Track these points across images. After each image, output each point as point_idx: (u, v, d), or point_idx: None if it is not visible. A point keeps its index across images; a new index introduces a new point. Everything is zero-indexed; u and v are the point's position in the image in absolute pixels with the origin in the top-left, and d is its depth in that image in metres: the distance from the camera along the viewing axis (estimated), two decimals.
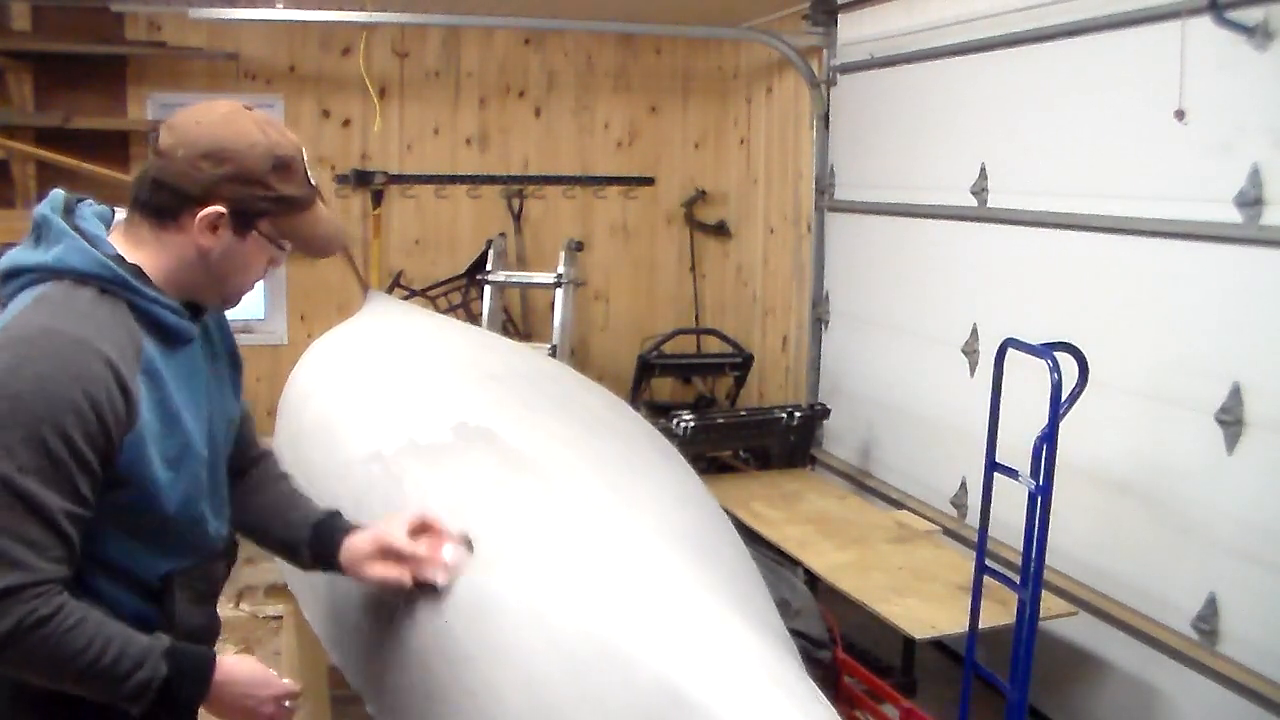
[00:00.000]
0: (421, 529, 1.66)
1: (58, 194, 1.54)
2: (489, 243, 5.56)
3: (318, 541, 1.73)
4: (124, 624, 1.43)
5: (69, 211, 1.52)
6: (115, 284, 1.46)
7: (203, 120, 1.51)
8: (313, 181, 1.58)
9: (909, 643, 3.54)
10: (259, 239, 1.54)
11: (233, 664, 1.52)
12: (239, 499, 1.77)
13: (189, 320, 1.56)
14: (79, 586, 1.43)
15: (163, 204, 1.50)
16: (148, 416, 1.45)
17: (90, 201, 1.57)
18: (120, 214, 1.59)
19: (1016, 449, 2.88)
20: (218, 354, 1.70)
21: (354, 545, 1.70)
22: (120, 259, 1.49)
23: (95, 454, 1.38)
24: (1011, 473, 2.87)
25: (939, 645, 3.89)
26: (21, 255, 1.49)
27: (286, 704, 1.57)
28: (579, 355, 5.90)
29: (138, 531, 1.48)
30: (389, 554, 1.66)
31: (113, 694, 1.40)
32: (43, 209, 1.51)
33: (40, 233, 1.50)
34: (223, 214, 1.49)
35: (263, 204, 1.52)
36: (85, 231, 1.49)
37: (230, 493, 1.73)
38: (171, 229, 1.51)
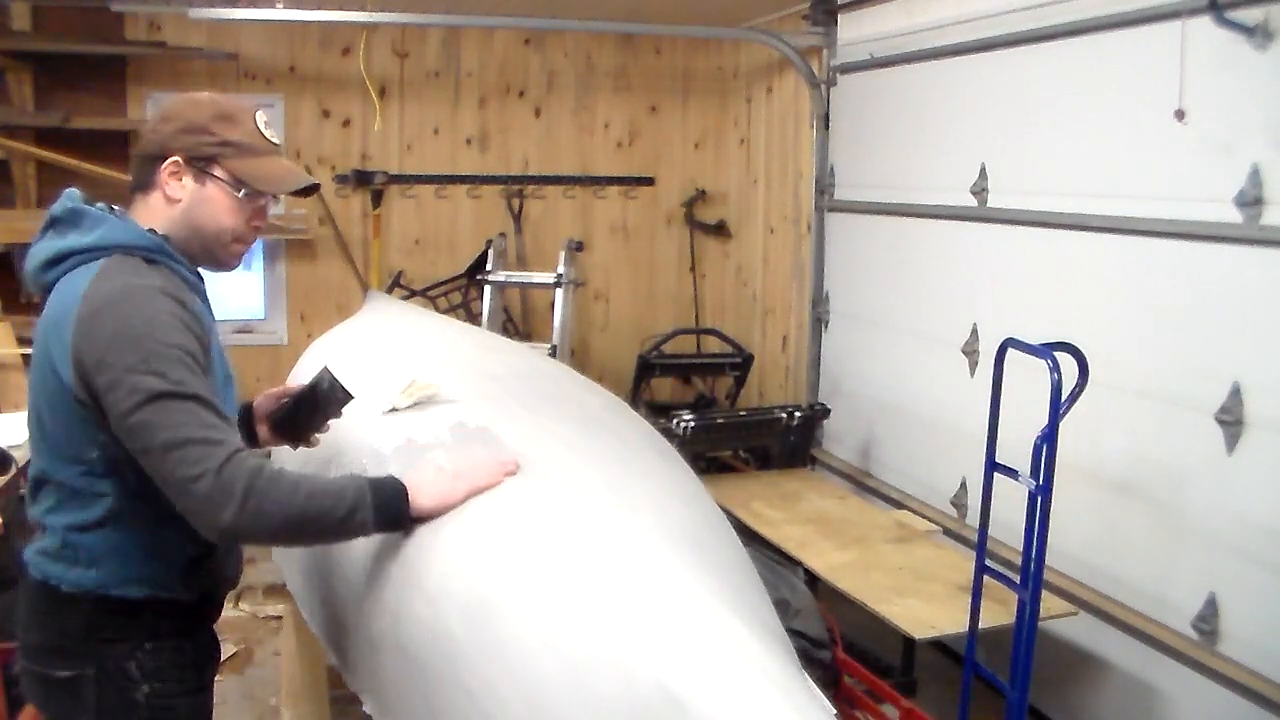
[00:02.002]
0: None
1: (74, 192, 1.76)
2: (489, 243, 5.56)
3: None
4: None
5: (88, 204, 1.74)
6: (155, 251, 1.70)
7: (166, 99, 1.82)
8: (268, 137, 1.79)
9: (909, 643, 3.54)
10: (218, 182, 1.75)
11: (421, 483, 1.73)
12: None
13: (199, 279, 1.80)
14: (145, 536, 1.70)
15: (141, 173, 1.77)
16: (212, 347, 1.72)
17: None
18: (119, 210, 1.79)
19: (1016, 449, 2.87)
20: None
21: (259, 405, 2.06)
22: (152, 231, 1.73)
23: (204, 370, 1.64)
24: (1011, 473, 2.87)
25: (939, 645, 3.89)
26: (60, 243, 1.70)
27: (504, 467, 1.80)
28: (579, 355, 5.89)
29: None
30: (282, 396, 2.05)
31: (340, 513, 1.63)
32: (67, 204, 1.73)
33: (70, 222, 1.71)
34: (179, 162, 1.73)
35: (211, 148, 1.74)
36: (115, 214, 1.74)
37: None
38: (150, 190, 1.76)
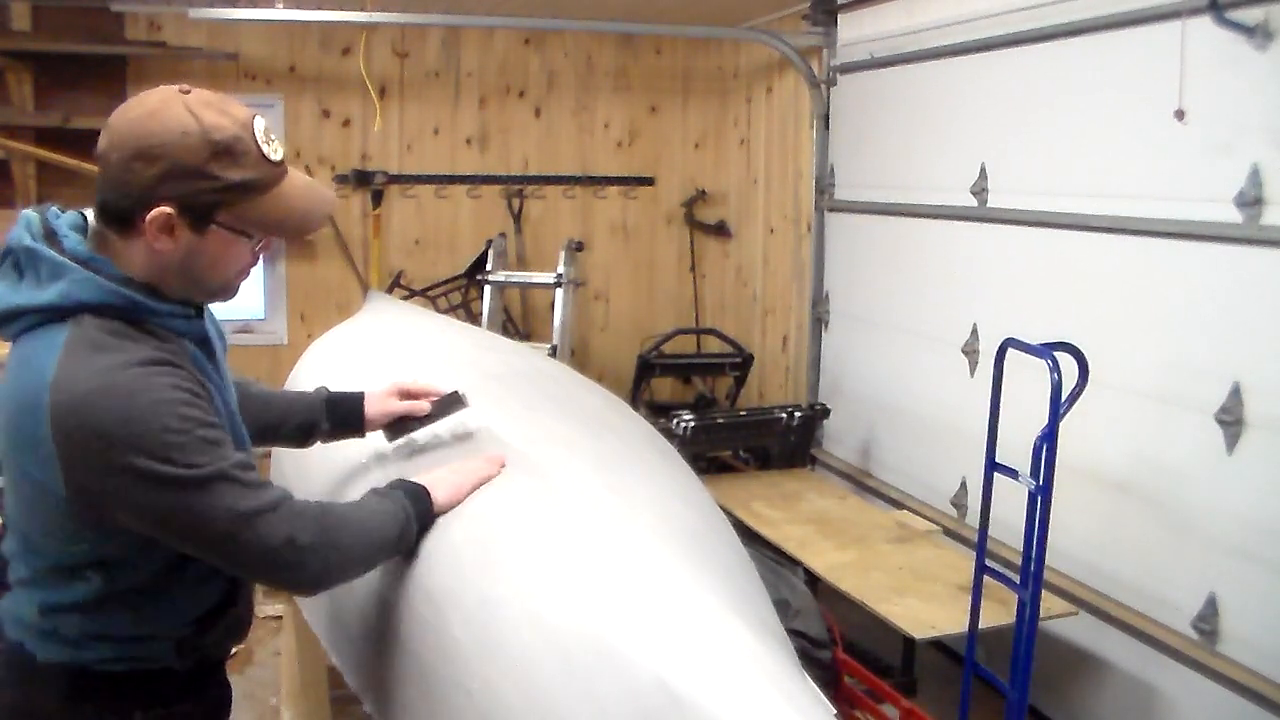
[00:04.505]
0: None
1: (31, 217, 1.46)
2: (489, 243, 5.56)
3: (336, 408, 1.95)
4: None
5: (50, 235, 1.45)
6: (135, 310, 1.43)
7: (131, 115, 1.42)
8: (273, 157, 1.46)
9: (909, 643, 3.54)
10: (220, 231, 1.44)
11: (435, 481, 1.70)
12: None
13: (198, 318, 1.55)
14: (133, 615, 1.52)
15: (115, 211, 1.43)
16: (219, 406, 1.53)
17: (57, 211, 1.51)
18: (90, 214, 1.52)
19: (1016, 449, 2.88)
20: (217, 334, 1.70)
21: (374, 395, 1.95)
22: (129, 281, 1.44)
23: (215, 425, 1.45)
24: (1011, 473, 2.87)
25: (939, 645, 3.89)
26: (13, 295, 1.42)
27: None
28: (579, 355, 5.90)
29: None
30: (404, 394, 1.96)
31: (394, 530, 1.59)
32: (21, 239, 1.43)
33: (27, 265, 1.43)
34: (171, 214, 1.40)
35: (211, 195, 1.41)
36: (79, 256, 1.43)
37: None
38: (132, 235, 1.44)
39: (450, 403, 1.97)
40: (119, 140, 1.41)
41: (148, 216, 1.40)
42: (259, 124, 1.47)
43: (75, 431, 1.34)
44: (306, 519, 1.46)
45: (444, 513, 1.69)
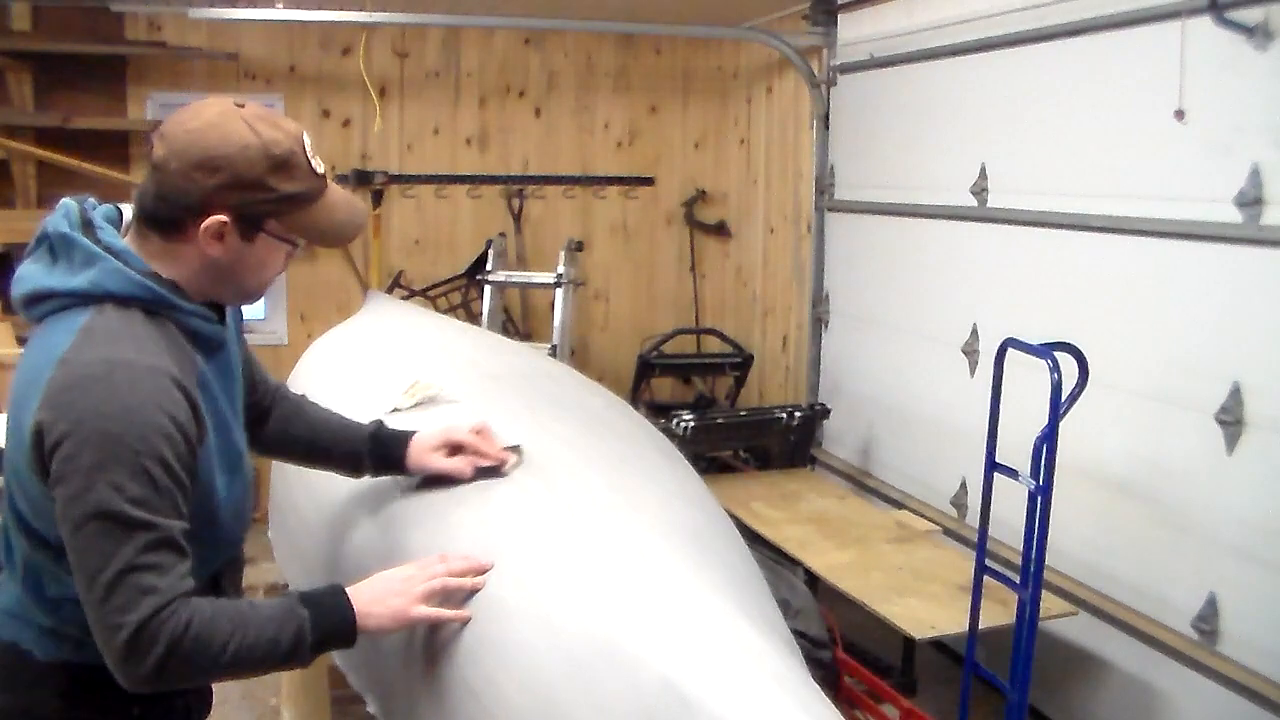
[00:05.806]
0: (478, 433, 1.86)
1: (70, 206, 1.51)
2: (489, 243, 5.56)
3: (380, 447, 1.87)
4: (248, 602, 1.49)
5: (87, 224, 1.49)
6: (158, 304, 1.47)
7: (191, 127, 1.47)
8: (318, 170, 1.54)
9: (909, 643, 3.54)
10: (268, 239, 1.52)
11: (372, 599, 1.52)
12: (280, 433, 1.88)
13: (219, 324, 1.58)
14: None
15: (166, 217, 1.48)
16: (210, 431, 1.50)
17: (94, 203, 1.54)
18: (126, 211, 1.56)
19: (1016, 449, 2.88)
20: (234, 340, 1.71)
21: (421, 440, 1.86)
22: (156, 275, 1.48)
23: (186, 472, 1.42)
24: (1011, 473, 2.87)
25: (939, 645, 3.89)
26: (46, 277, 1.47)
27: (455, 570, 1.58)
28: (579, 355, 5.90)
29: (192, 538, 1.44)
30: (452, 449, 1.84)
31: (276, 660, 1.45)
32: (59, 226, 1.48)
33: (61, 251, 1.47)
34: (226, 222, 1.47)
35: (266, 206, 1.49)
36: (113, 248, 1.47)
37: (261, 435, 1.85)
38: (179, 240, 1.49)
39: (494, 470, 1.85)
40: (179, 150, 1.46)
41: (203, 224, 1.46)
42: (306, 138, 1.54)
43: (58, 406, 1.37)
44: (168, 624, 1.35)
45: (374, 626, 1.52)
